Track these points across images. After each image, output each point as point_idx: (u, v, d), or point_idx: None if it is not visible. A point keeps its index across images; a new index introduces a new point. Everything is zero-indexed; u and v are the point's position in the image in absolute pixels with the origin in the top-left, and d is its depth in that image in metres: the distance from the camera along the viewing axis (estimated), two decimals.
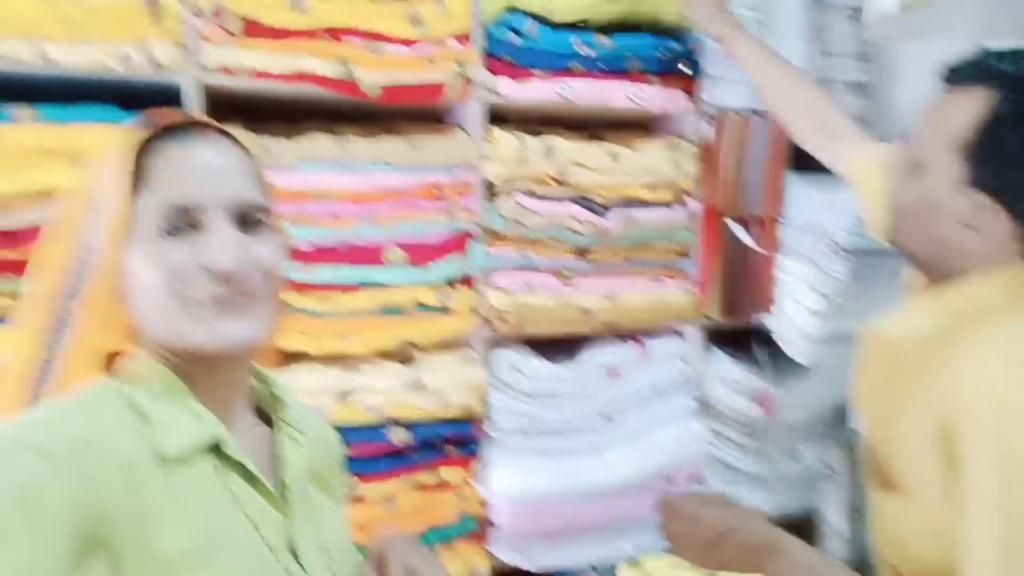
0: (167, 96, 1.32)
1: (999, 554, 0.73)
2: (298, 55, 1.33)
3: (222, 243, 0.62)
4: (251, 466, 0.66)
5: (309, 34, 1.33)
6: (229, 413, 0.68)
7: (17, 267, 1.19)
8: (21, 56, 1.19)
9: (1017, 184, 0.80)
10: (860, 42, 1.77)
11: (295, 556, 0.67)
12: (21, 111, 1.20)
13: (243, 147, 0.70)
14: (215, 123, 0.69)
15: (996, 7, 1.23)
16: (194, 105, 1.30)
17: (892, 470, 0.87)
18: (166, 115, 0.67)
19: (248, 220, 0.66)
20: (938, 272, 0.90)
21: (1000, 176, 0.80)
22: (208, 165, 0.65)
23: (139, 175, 0.63)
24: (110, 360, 0.67)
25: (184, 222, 0.63)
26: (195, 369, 0.66)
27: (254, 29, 1.31)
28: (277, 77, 1.33)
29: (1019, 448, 0.73)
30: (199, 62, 1.30)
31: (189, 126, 0.67)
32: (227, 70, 1.30)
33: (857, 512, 1.82)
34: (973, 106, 0.81)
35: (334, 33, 1.36)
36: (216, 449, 0.64)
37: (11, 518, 0.50)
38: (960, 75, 0.85)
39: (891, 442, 0.88)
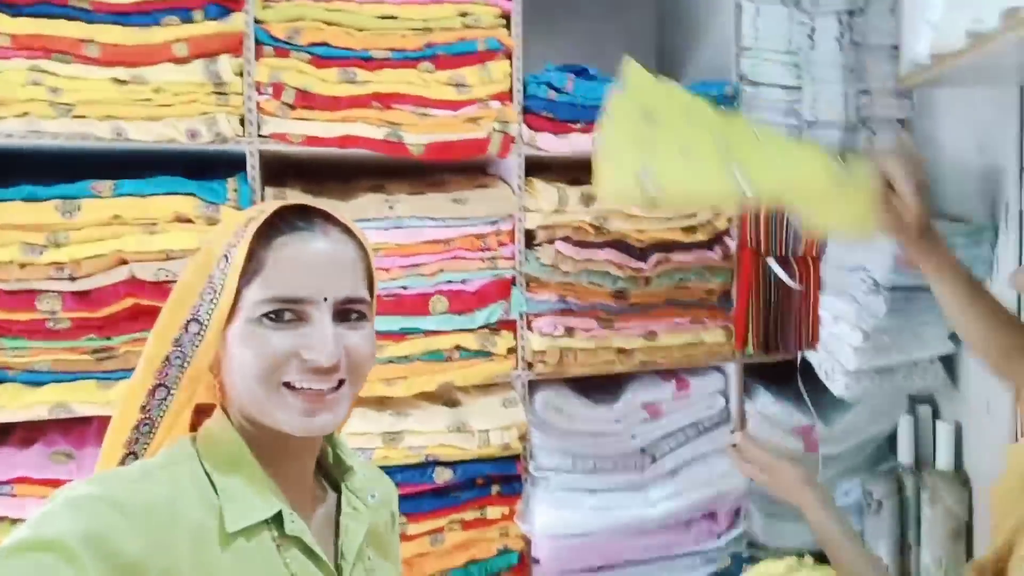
0: (230, 163, 1.44)
1: None
2: (348, 123, 1.42)
3: (323, 339, 0.65)
4: (310, 541, 0.68)
5: (359, 103, 1.43)
6: (297, 480, 0.72)
7: (95, 326, 1.33)
8: (100, 134, 1.32)
9: None
10: (899, 79, 1.77)
11: None
12: (101, 185, 1.33)
13: (357, 240, 0.72)
14: (334, 214, 0.72)
15: None
16: (255, 170, 1.41)
17: None
18: (291, 201, 0.72)
19: (350, 313, 0.69)
20: None
21: None
22: (320, 260, 0.67)
23: (254, 262, 0.66)
24: (196, 417, 0.72)
25: (289, 313, 0.66)
26: (272, 441, 0.69)
27: (308, 100, 1.41)
28: (329, 142, 1.42)
29: None
30: (259, 133, 1.40)
31: (310, 213, 0.70)
32: (283, 138, 1.41)
33: (901, 544, 1.82)
34: None
35: (383, 100, 1.44)
36: (279, 520, 0.67)
37: (78, 553, 0.52)
38: None
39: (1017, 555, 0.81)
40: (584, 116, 1.58)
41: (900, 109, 1.78)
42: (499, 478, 1.58)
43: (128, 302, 1.34)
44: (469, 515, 1.56)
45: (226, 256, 0.66)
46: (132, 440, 0.67)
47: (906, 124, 1.81)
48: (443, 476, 1.51)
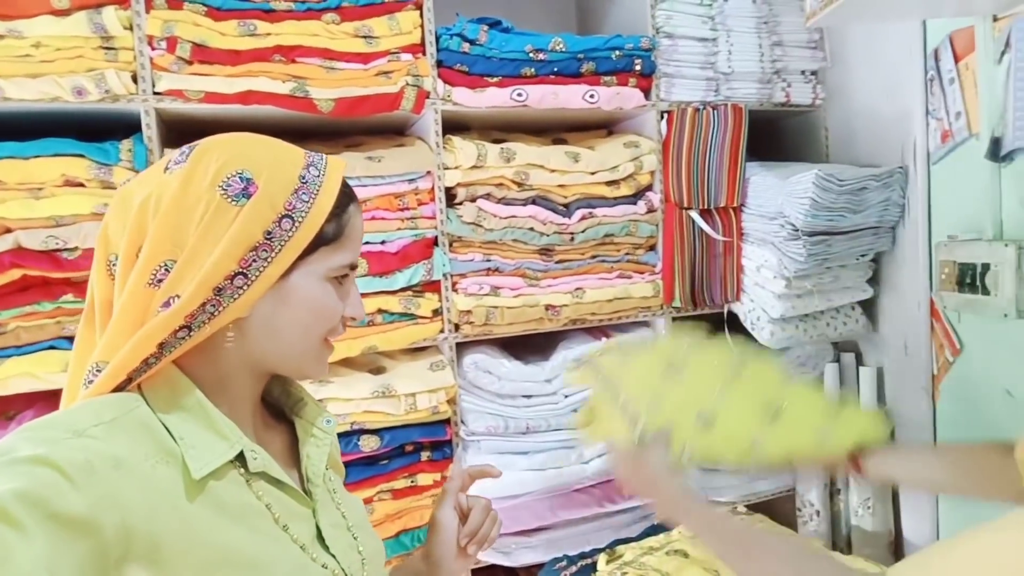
0: (130, 125, 1.36)
1: None
2: (250, 77, 1.35)
3: (359, 299, 0.75)
4: (276, 472, 0.69)
5: (261, 56, 1.36)
6: (252, 417, 0.73)
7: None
8: None
9: None
10: (813, 30, 1.80)
11: (324, 545, 0.71)
12: None
13: None
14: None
15: None
16: (151, 130, 1.33)
17: None
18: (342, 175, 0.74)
19: None
20: None
21: None
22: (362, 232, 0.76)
23: (333, 225, 0.69)
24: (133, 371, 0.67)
25: (343, 276, 0.72)
26: (229, 381, 0.69)
27: (206, 54, 1.33)
28: (229, 98, 1.35)
29: None
30: (152, 89, 1.32)
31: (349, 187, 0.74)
32: (180, 95, 1.33)
33: (832, 490, 1.85)
34: None
35: (287, 54, 1.38)
36: (242, 457, 0.67)
37: (20, 517, 0.49)
38: None
39: None
40: (501, 70, 1.55)
41: (813, 60, 1.81)
42: (429, 444, 1.54)
43: (16, 273, 1.25)
44: (399, 483, 1.52)
45: (291, 215, 0.66)
46: (138, 370, 0.65)
47: (819, 75, 1.84)
48: (369, 444, 1.47)
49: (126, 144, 1.31)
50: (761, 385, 1.08)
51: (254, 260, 0.65)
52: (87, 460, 0.55)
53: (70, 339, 1.32)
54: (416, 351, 1.60)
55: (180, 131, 1.49)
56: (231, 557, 0.62)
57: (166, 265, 0.64)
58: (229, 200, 0.64)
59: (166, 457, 0.62)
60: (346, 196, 0.71)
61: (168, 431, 0.63)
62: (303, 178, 0.67)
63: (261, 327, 0.68)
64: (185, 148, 0.67)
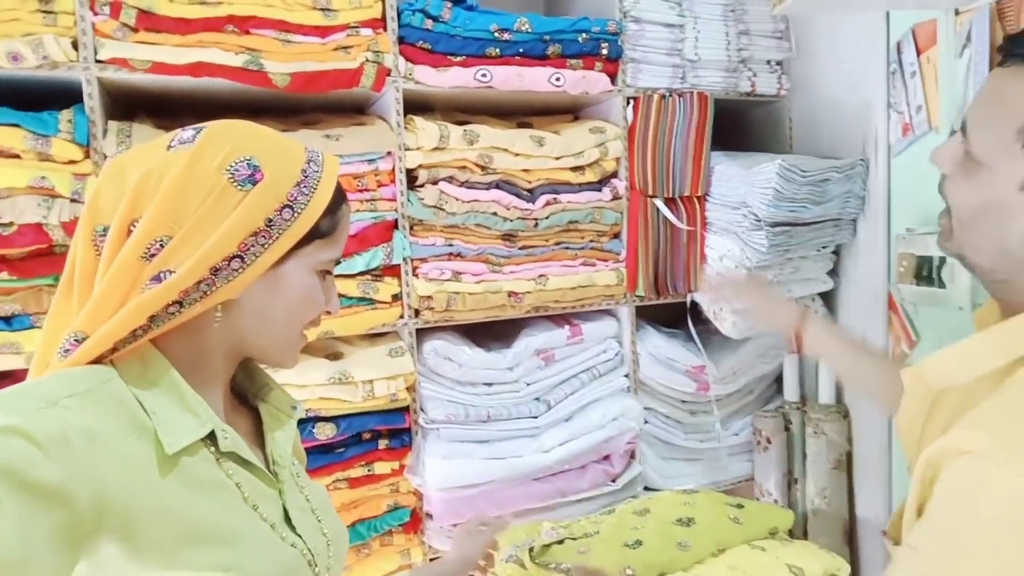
0: (66, 93, 1.28)
1: None
2: (201, 47, 1.29)
3: (336, 293, 0.78)
4: (245, 453, 0.70)
5: (213, 26, 1.30)
6: (221, 399, 0.75)
7: None
8: None
9: None
10: (779, 21, 1.80)
11: (292, 526, 0.73)
12: None
13: None
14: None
15: None
16: (93, 100, 1.26)
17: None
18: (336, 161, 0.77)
19: None
20: (1015, 293, 0.73)
21: None
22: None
23: (328, 220, 0.73)
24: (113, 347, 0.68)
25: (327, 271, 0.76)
26: (204, 361, 0.71)
27: (153, 22, 1.27)
28: (178, 69, 1.28)
29: (980, 523, 0.61)
30: (95, 57, 1.25)
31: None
32: (125, 63, 1.26)
33: (789, 479, 1.87)
34: None
35: (240, 24, 1.32)
36: (214, 438, 0.68)
37: None
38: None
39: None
40: (465, 49, 1.51)
41: (779, 50, 1.81)
42: (387, 432, 1.51)
43: None
44: (356, 472, 1.48)
45: (291, 206, 0.69)
46: (124, 340, 0.65)
47: (784, 65, 1.84)
48: (325, 431, 1.42)
49: (66, 115, 1.24)
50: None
51: (252, 245, 0.67)
52: (61, 431, 0.56)
53: (5, 319, 1.25)
54: (374, 337, 1.56)
55: (125, 103, 1.41)
56: (203, 531, 0.63)
57: (161, 240, 0.65)
58: (235, 184, 0.66)
59: (139, 431, 0.63)
60: (341, 195, 0.76)
61: (141, 405, 0.64)
62: (305, 172, 0.71)
63: (250, 311, 0.71)
64: (191, 129, 0.69)
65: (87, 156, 1.26)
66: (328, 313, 0.77)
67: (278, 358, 0.76)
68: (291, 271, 0.71)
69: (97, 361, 0.65)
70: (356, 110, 1.64)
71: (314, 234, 0.71)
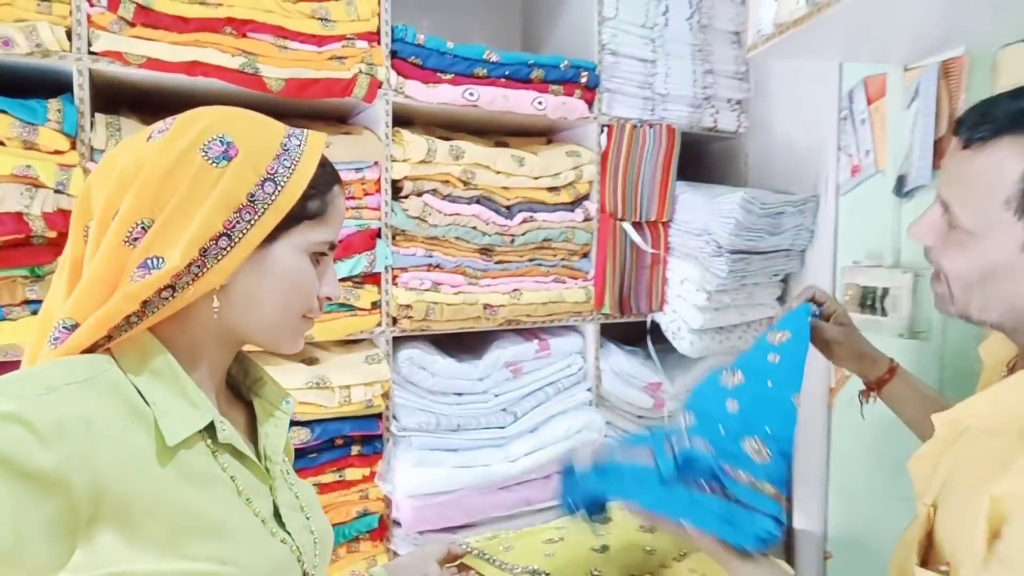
0: (55, 82, 1.26)
1: None
2: (198, 47, 1.29)
3: (335, 278, 0.77)
4: (241, 446, 0.70)
5: (211, 26, 1.30)
6: (217, 391, 0.75)
7: None
8: None
9: None
10: (741, 63, 1.93)
11: (281, 523, 0.73)
12: None
13: None
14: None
15: (856, 33, 1.37)
16: (83, 91, 1.24)
17: (943, 551, 0.79)
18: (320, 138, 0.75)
19: None
20: None
21: None
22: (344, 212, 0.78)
23: (316, 201, 0.71)
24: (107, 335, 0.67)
25: (322, 254, 0.74)
26: (202, 352, 0.71)
27: (151, 17, 1.26)
28: (173, 67, 1.28)
29: None
30: (88, 48, 1.24)
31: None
32: (119, 57, 1.25)
33: None
34: (1015, 158, 0.71)
35: (238, 27, 1.33)
36: (210, 429, 0.68)
37: None
38: (983, 128, 0.73)
39: (951, 522, 0.79)
40: (454, 67, 1.56)
41: (739, 90, 1.94)
42: (359, 438, 1.52)
43: None
44: (327, 478, 1.48)
45: (273, 179, 0.67)
46: (119, 327, 0.65)
47: (743, 104, 1.97)
48: (300, 436, 1.42)
49: (55, 104, 1.22)
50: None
51: (237, 222, 0.66)
52: (58, 418, 0.56)
53: None
54: (349, 343, 1.57)
55: (112, 98, 1.39)
56: (198, 523, 0.63)
57: (142, 223, 0.64)
58: (210, 162, 0.65)
59: (137, 420, 0.62)
60: (332, 175, 0.74)
61: (141, 395, 0.64)
62: (284, 145, 0.70)
63: (241, 295, 0.70)
64: (169, 119, 0.68)
65: (73, 147, 1.23)
66: (329, 299, 0.76)
67: (277, 343, 0.74)
68: (281, 253, 0.70)
69: (92, 350, 0.65)
70: (339, 119, 1.66)
71: (303, 214, 0.70)
